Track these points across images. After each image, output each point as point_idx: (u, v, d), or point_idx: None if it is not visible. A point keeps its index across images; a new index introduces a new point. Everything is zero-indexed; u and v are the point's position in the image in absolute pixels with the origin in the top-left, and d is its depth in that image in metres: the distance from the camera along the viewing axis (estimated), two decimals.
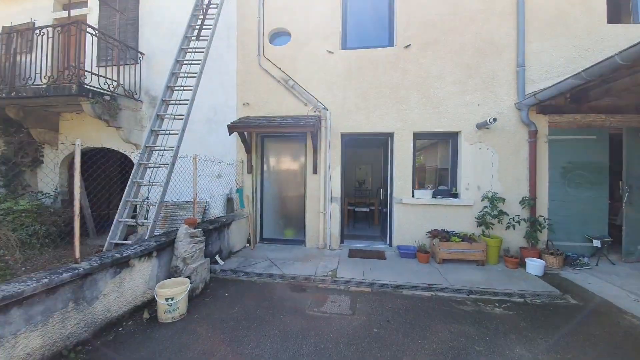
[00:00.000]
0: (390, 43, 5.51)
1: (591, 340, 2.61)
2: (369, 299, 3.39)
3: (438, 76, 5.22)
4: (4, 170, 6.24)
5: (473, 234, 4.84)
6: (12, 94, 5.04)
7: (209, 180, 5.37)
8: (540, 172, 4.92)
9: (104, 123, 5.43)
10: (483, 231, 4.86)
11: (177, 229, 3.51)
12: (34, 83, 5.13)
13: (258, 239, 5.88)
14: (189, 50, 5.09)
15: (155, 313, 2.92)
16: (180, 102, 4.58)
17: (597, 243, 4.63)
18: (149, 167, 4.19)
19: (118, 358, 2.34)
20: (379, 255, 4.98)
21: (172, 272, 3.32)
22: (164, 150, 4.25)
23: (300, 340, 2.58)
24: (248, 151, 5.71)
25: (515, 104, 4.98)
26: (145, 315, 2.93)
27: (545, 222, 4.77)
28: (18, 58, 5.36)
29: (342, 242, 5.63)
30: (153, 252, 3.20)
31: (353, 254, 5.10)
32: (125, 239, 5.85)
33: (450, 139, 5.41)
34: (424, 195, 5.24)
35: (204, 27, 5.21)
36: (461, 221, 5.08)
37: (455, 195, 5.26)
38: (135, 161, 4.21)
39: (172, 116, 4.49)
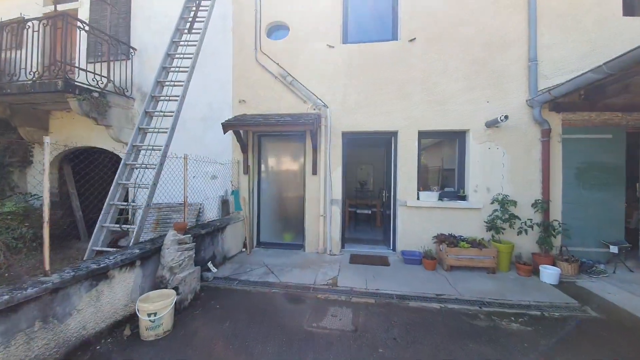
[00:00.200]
0: (394, 37, 5.22)
1: None
2: (372, 312, 3.11)
3: (444, 71, 4.93)
4: None
5: (482, 239, 4.55)
6: None
7: (204, 182, 5.09)
8: (554, 173, 4.64)
9: (92, 121, 5.16)
10: (493, 236, 4.57)
11: (165, 235, 3.24)
12: (19, 79, 4.88)
13: (255, 244, 5.60)
14: (181, 43, 4.82)
15: (138, 329, 2.65)
16: (171, 98, 4.30)
17: (614, 249, 4.33)
18: (136, 168, 3.91)
19: None
20: (382, 262, 4.70)
21: (157, 283, 3.04)
22: (152, 149, 3.98)
23: None
24: (244, 151, 5.43)
25: (527, 100, 4.70)
26: (127, 331, 2.65)
27: (559, 226, 4.47)
28: (7, 54, 5.11)
29: (343, 246, 5.35)
30: (136, 261, 2.92)
31: (354, 259, 4.82)
32: (116, 243, 5.62)
33: (457, 137, 5.12)
34: (430, 198, 4.95)
35: (197, 19, 4.94)
36: (469, 225, 4.79)
37: (463, 198, 4.97)
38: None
39: (162, 113, 4.20)
